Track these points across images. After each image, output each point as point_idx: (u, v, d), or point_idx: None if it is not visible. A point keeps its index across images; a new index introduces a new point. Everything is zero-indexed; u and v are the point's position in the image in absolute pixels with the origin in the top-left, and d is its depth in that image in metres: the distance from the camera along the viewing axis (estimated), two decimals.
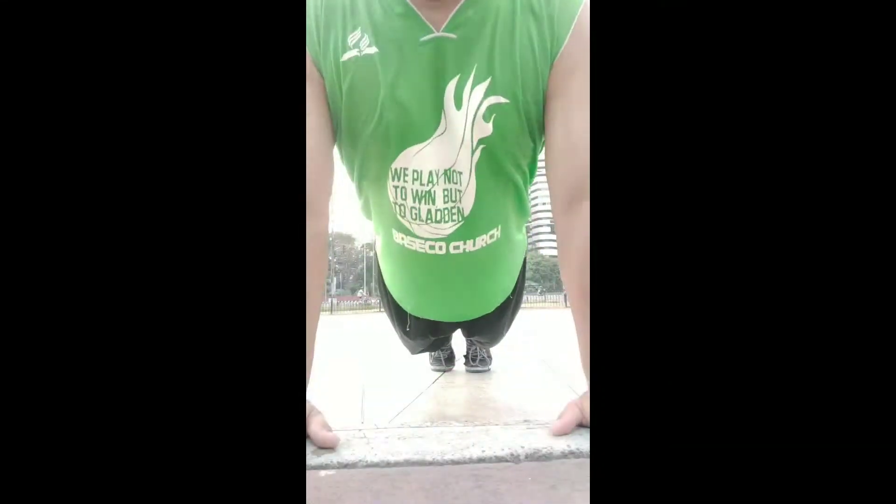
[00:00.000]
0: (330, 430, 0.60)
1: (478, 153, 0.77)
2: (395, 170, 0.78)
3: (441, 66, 0.72)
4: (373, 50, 0.71)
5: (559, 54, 0.71)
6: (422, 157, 0.77)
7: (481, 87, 0.72)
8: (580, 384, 0.68)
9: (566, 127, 0.71)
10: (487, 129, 0.75)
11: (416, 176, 0.78)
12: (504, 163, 0.79)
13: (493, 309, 1.11)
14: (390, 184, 0.80)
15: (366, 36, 0.72)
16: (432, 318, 1.12)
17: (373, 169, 0.80)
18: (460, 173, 0.78)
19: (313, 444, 0.59)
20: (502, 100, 0.73)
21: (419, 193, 0.79)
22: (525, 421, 0.68)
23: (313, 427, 0.60)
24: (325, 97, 0.74)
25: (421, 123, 0.74)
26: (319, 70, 0.73)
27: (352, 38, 0.73)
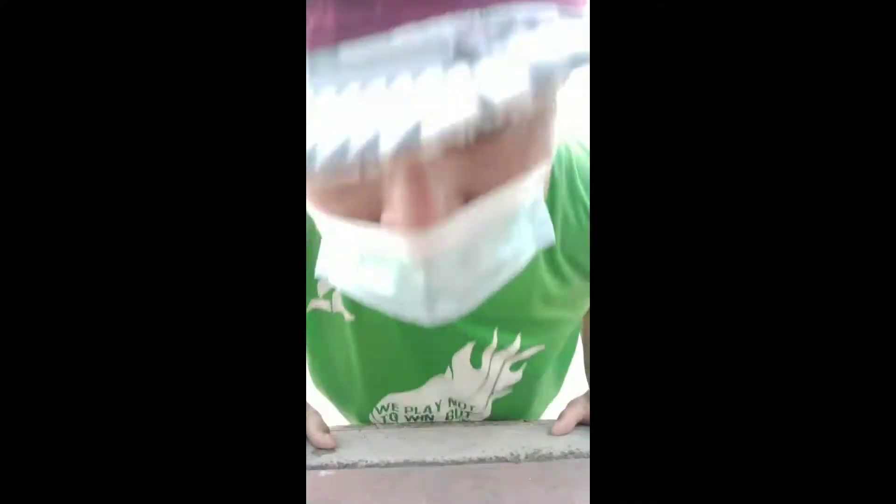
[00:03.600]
0: (327, 430, 0.60)
1: (497, 395, 0.65)
2: (382, 406, 0.66)
3: (445, 340, 0.58)
4: (348, 316, 0.58)
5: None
6: (417, 396, 0.64)
7: (511, 348, 0.60)
8: (580, 384, 0.68)
9: None
10: (515, 377, 0.63)
11: (409, 410, 0.66)
12: (529, 401, 0.67)
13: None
14: (375, 415, 0.68)
15: (338, 291, 0.57)
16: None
17: (352, 405, 0.68)
18: (472, 406, 0.66)
19: (312, 444, 0.59)
20: (538, 349, 0.61)
21: (413, 417, 0.67)
22: (525, 421, 0.68)
23: (310, 428, 0.59)
24: None
25: (416, 376, 0.62)
26: None
27: (320, 287, 0.58)
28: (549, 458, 0.56)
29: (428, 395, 0.64)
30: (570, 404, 0.65)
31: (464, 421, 0.67)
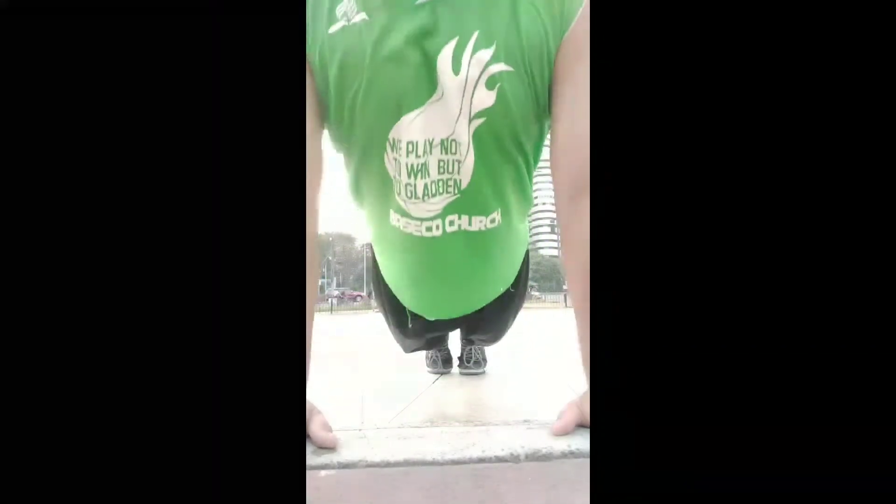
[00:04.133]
0: (330, 430, 0.60)
1: (476, 123, 0.72)
2: (392, 140, 0.74)
3: (436, 28, 0.67)
4: (361, 17, 0.67)
5: (568, 33, 0.67)
6: (416, 126, 0.73)
7: (485, 53, 0.67)
8: (580, 384, 0.68)
9: (572, 115, 0.67)
10: (489, 98, 0.70)
11: (410, 148, 0.74)
12: (505, 138, 0.74)
13: (492, 299, 1.06)
14: (388, 156, 0.76)
15: (353, 4, 0.68)
16: (429, 317, 1.07)
17: (368, 141, 0.76)
18: (458, 143, 0.74)
19: (313, 444, 0.59)
20: (507, 68, 0.68)
21: (414, 168, 0.75)
22: (525, 421, 0.68)
23: (313, 427, 0.59)
24: (313, 84, 0.70)
25: (414, 88, 0.70)
26: (307, 52, 0.70)
27: (339, 10, 0.69)
28: (549, 458, 0.56)
29: (425, 124, 0.71)
30: (570, 404, 0.65)
31: (463, 420, 0.67)
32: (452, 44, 0.67)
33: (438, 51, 0.68)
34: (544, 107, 0.72)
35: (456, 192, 0.78)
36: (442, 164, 0.75)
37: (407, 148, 0.74)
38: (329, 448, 0.57)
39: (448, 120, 0.72)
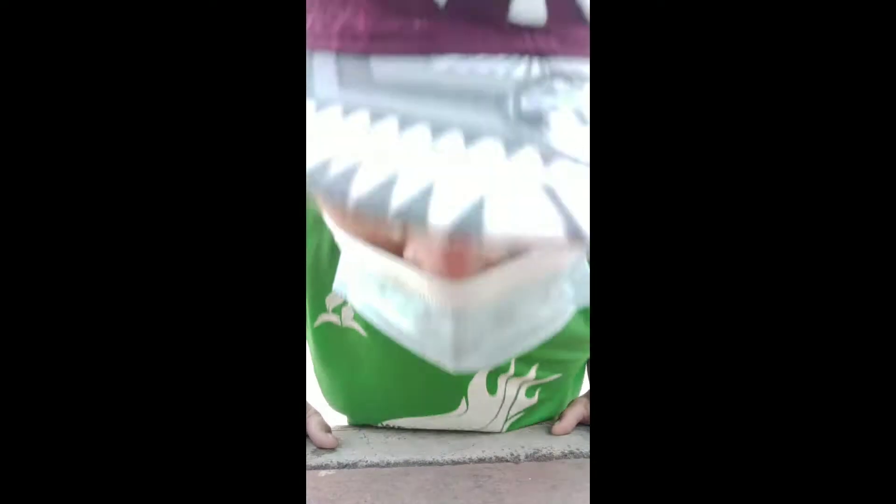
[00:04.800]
0: (329, 430, 0.60)
1: (511, 420, 0.63)
2: (387, 425, 0.64)
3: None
4: (362, 332, 0.55)
5: None
6: (427, 423, 0.62)
7: (528, 375, 0.58)
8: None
9: None
10: (530, 402, 0.61)
11: (413, 431, 0.63)
12: (542, 419, 0.65)
13: None
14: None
15: (349, 306, 0.54)
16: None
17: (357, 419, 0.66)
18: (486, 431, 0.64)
19: (312, 444, 0.59)
20: (553, 378, 0.60)
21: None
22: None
23: (312, 428, 0.59)
24: None
25: (428, 403, 0.60)
26: None
27: (329, 302, 0.55)
28: (549, 458, 0.56)
29: (438, 424, 0.62)
30: (571, 404, 0.65)
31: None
32: (485, 373, 0.57)
33: (466, 382, 0.57)
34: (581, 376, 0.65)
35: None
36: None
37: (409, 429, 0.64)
38: (328, 448, 0.57)
39: (473, 426, 0.62)
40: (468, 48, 0.21)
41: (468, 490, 0.49)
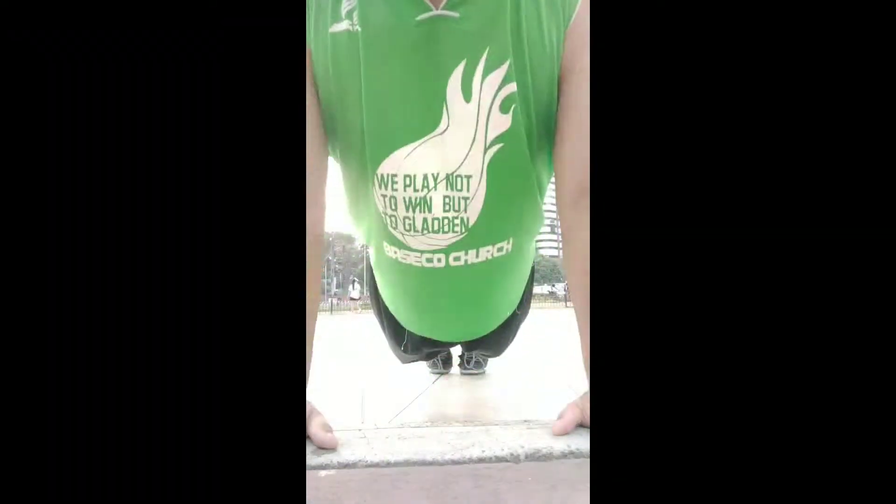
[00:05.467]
0: (330, 430, 0.60)
1: (492, 151, 0.64)
2: (382, 176, 0.66)
3: (441, 51, 0.59)
4: (357, 28, 0.59)
5: (571, 21, 0.60)
6: (415, 160, 0.65)
7: (497, 74, 0.60)
8: (580, 384, 0.68)
9: (578, 110, 0.60)
10: (505, 122, 0.62)
11: (407, 182, 0.66)
12: (522, 162, 0.67)
13: (497, 326, 0.99)
14: (377, 192, 0.68)
15: (357, 9, 0.60)
16: (430, 337, 1.00)
17: (355, 173, 0.69)
18: (468, 177, 0.66)
19: (313, 444, 0.59)
20: (515, 87, 0.61)
21: (412, 201, 0.68)
22: (525, 421, 0.68)
23: (313, 428, 0.59)
24: (313, 75, 0.63)
25: (413, 121, 0.63)
26: (308, 43, 0.62)
27: (345, 6, 0.60)
28: (549, 458, 0.56)
29: (425, 158, 0.63)
30: (570, 405, 0.65)
31: (463, 424, 0.67)
32: (461, 67, 0.60)
33: (446, 78, 0.60)
34: (555, 115, 0.65)
35: (463, 230, 0.70)
36: (447, 200, 0.68)
37: (404, 182, 0.66)
38: (329, 448, 0.57)
39: (455, 153, 0.64)
40: None
41: (468, 490, 0.49)
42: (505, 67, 0.60)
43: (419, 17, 0.59)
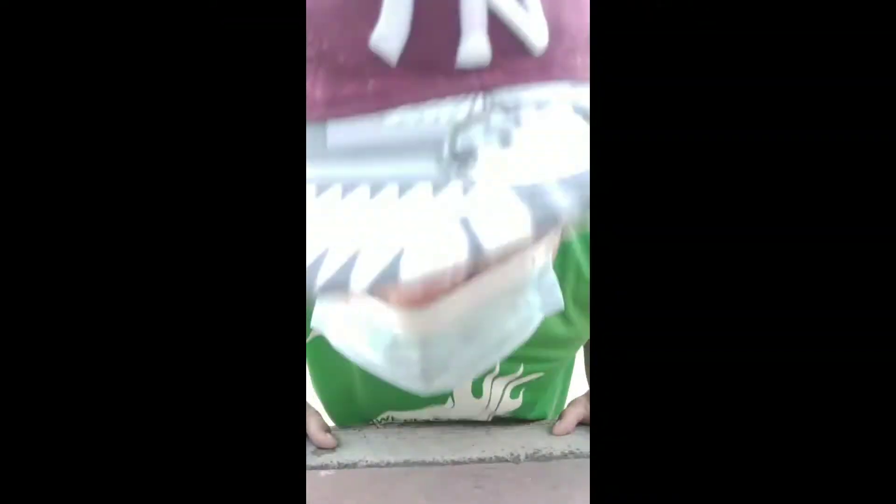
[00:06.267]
0: (328, 430, 0.60)
1: (497, 417, 0.65)
2: (381, 418, 0.66)
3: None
4: None
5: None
6: (416, 415, 0.65)
7: (510, 377, 0.60)
8: (580, 384, 0.68)
9: None
10: (515, 404, 0.63)
11: (409, 420, 0.66)
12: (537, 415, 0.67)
13: None
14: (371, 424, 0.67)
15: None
16: None
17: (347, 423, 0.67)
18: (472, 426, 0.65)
19: (313, 444, 0.59)
20: (535, 376, 0.61)
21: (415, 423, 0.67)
22: (525, 421, 0.68)
23: (311, 428, 0.59)
24: None
25: (412, 404, 0.61)
26: None
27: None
28: (549, 458, 0.56)
29: (428, 415, 0.64)
30: (571, 404, 0.65)
31: (463, 421, 0.67)
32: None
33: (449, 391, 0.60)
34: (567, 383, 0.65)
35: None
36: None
37: (403, 421, 0.66)
38: (328, 448, 0.57)
39: (458, 417, 0.64)
40: (418, 97, 0.22)
41: (468, 490, 0.49)
42: (520, 371, 0.60)
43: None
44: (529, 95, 0.23)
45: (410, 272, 0.19)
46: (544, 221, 0.20)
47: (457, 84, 0.22)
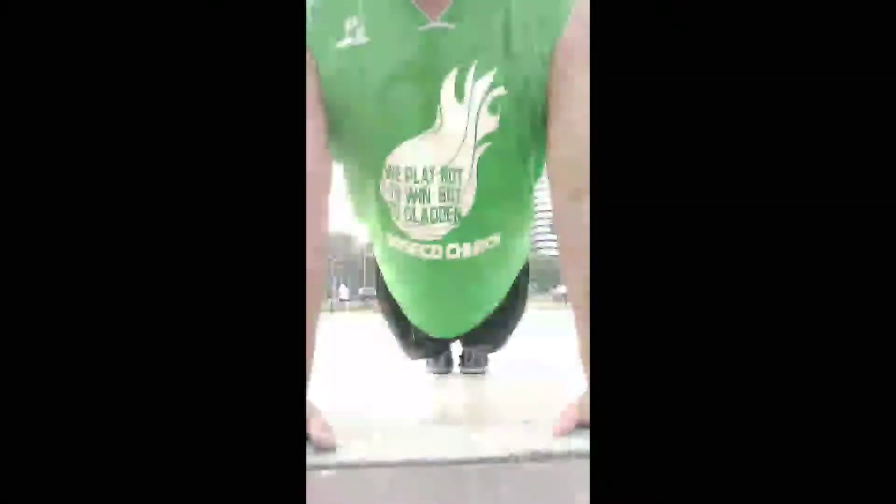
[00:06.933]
0: (330, 430, 0.60)
1: (481, 149, 0.74)
2: (389, 167, 0.76)
3: (437, 59, 0.69)
4: (365, 40, 0.69)
5: (560, 39, 0.68)
6: (415, 153, 0.74)
7: (485, 79, 0.70)
8: (580, 384, 0.68)
9: (569, 116, 0.68)
10: (492, 123, 0.72)
11: (409, 174, 0.75)
12: (510, 160, 0.76)
13: (482, 319, 1.07)
14: (385, 181, 0.78)
15: (361, 24, 0.69)
16: (429, 333, 1.09)
17: (366, 166, 0.78)
18: (459, 171, 0.75)
19: (313, 444, 0.59)
20: (507, 91, 0.70)
21: (413, 192, 0.77)
22: (525, 421, 0.68)
23: (312, 428, 0.59)
24: (320, 88, 0.71)
25: (413, 117, 0.72)
26: (315, 58, 0.71)
27: (348, 24, 0.70)
28: (549, 458, 0.56)
29: (423, 151, 0.73)
30: (570, 404, 0.65)
31: (462, 419, 0.67)
32: (454, 73, 0.69)
33: (440, 81, 0.70)
34: (544, 120, 0.73)
35: (456, 220, 0.79)
36: (443, 191, 0.76)
37: (406, 173, 0.75)
38: (328, 448, 0.57)
39: (448, 148, 0.73)
40: None
41: (468, 490, 0.49)
42: (493, 73, 0.69)
43: (421, 29, 0.68)
44: None
45: None
46: None
47: None
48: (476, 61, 0.69)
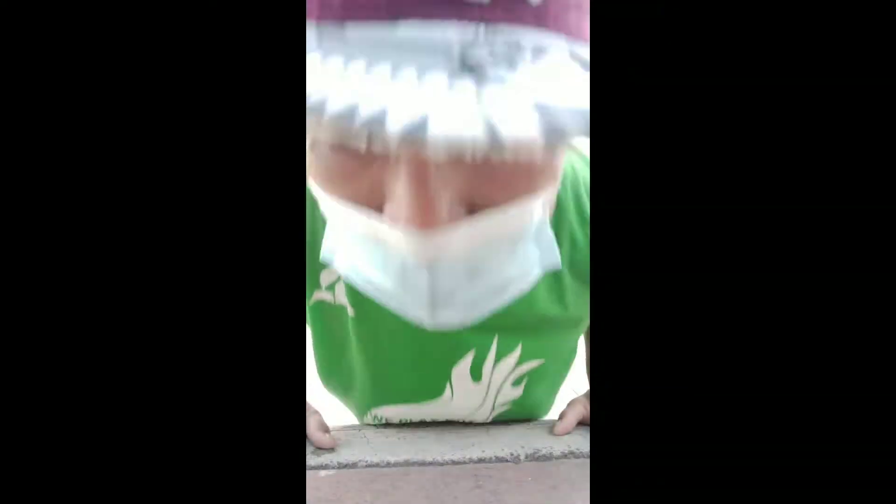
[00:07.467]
0: (327, 430, 0.60)
1: (500, 410, 0.64)
2: (376, 416, 0.65)
3: (445, 346, 0.57)
4: (350, 311, 0.56)
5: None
6: (414, 413, 0.64)
7: (511, 358, 0.58)
8: (580, 384, 0.68)
9: None
10: (516, 392, 0.62)
11: (405, 421, 0.65)
12: (533, 413, 0.67)
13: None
14: (367, 418, 0.67)
15: (341, 283, 0.56)
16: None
17: (350, 405, 0.69)
18: (472, 422, 0.65)
19: (311, 444, 0.59)
20: (537, 363, 0.59)
21: (411, 422, 0.66)
22: (525, 421, 0.68)
23: (311, 428, 0.59)
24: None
25: (414, 390, 0.61)
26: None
27: (323, 278, 0.56)
28: (549, 458, 0.56)
29: (426, 413, 0.63)
30: (571, 404, 0.65)
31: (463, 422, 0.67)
32: (469, 357, 0.57)
33: (451, 363, 0.57)
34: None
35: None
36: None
37: (400, 421, 0.65)
38: (327, 448, 0.57)
39: (459, 412, 0.63)
40: (426, 14, 0.25)
41: (468, 490, 0.49)
42: (518, 350, 0.58)
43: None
44: (528, 40, 0.25)
45: (437, 130, 0.20)
46: (552, 132, 0.21)
47: (460, 10, 0.24)
48: (495, 343, 0.57)
